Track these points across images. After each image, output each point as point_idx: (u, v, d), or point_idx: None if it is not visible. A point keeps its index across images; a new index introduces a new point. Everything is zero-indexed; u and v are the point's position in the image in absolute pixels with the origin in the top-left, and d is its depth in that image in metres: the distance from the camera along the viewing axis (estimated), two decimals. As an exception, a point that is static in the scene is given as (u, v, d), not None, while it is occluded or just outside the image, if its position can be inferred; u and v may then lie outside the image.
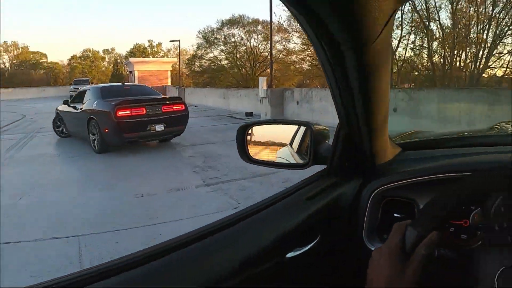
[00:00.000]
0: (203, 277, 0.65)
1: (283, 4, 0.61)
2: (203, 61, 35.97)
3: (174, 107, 8.16)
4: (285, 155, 1.09)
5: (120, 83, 9.89)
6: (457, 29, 18.61)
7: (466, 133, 1.57)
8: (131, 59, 32.26)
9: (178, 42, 29.86)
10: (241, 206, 4.19)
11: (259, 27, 32.07)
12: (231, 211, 1.37)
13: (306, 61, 27.90)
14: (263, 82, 13.09)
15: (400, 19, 18.66)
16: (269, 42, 31.45)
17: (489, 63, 18.82)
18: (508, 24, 17.46)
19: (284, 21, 27.32)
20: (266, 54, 30.25)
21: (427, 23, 19.14)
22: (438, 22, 19.09)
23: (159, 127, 7.77)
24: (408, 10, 18.87)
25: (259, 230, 0.79)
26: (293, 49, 29.76)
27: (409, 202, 0.88)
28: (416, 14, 19.15)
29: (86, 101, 8.34)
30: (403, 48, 20.16)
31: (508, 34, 17.77)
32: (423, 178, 0.89)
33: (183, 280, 0.63)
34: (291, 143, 1.08)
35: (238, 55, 33.32)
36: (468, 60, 18.98)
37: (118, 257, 0.62)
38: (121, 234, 3.61)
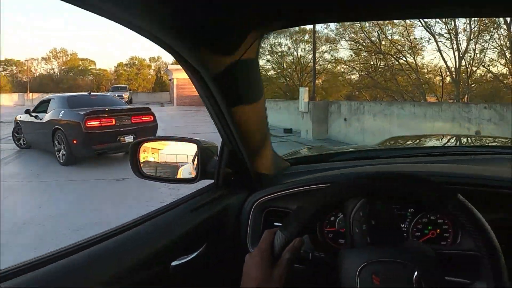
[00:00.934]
0: (88, 284, 0.68)
1: None
2: (248, 71, 34.60)
3: (143, 118, 7.94)
4: (185, 169, 1.13)
5: (86, 93, 9.42)
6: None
7: (352, 149, 1.74)
8: (170, 67, 31.42)
9: None
10: None
11: (306, 36, 30.17)
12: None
13: (357, 69, 25.79)
14: (304, 93, 10.98)
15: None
16: (316, 52, 30.38)
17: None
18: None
19: (332, 30, 25.35)
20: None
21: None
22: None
23: (129, 138, 7.41)
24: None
25: (143, 240, 0.83)
26: (342, 59, 27.84)
27: (288, 212, 0.99)
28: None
29: (51, 111, 7.79)
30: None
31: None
32: (297, 189, 1.02)
33: None
34: (193, 159, 1.11)
35: (284, 65, 31.81)
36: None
37: None
38: None
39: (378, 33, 20.29)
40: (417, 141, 2.37)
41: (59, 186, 5.88)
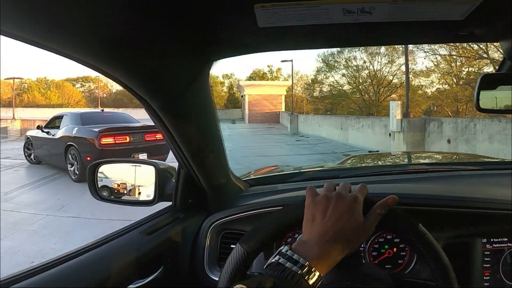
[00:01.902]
0: None
1: None
2: (324, 86, 33.51)
3: (156, 136, 7.64)
4: (144, 192, 1.12)
5: (99, 110, 9.29)
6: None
7: (312, 169, 1.74)
8: (241, 82, 31.03)
9: (290, 62, 26.44)
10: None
11: (382, 49, 28.32)
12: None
13: (440, 82, 23.60)
14: (395, 108, 9.26)
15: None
16: (393, 65, 28.45)
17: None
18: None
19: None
20: (391, 77, 28.67)
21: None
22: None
23: (143, 156, 7.31)
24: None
25: (98, 264, 0.81)
26: (420, 71, 26.62)
27: (243, 233, 0.91)
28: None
29: (64, 127, 7.74)
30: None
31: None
32: (254, 212, 1.02)
33: None
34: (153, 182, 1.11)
35: (360, 80, 30.51)
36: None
37: None
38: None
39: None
40: (377, 160, 2.41)
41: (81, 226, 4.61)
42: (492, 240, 0.91)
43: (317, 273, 0.58)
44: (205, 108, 0.87)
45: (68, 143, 7.34)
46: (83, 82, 49.82)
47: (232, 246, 0.99)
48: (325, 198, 0.68)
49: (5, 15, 0.44)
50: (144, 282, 0.89)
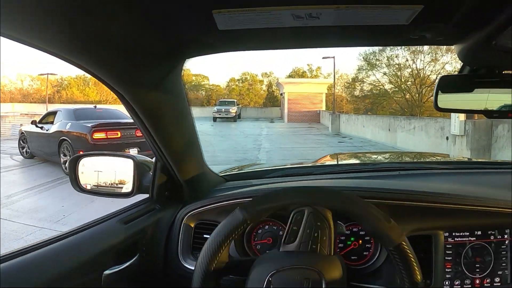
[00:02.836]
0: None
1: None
2: (364, 85, 32.41)
3: None
4: (123, 184, 1.16)
5: (92, 106, 9.54)
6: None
7: (289, 166, 1.74)
8: (281, 80, 30.18)
9: (332, 58, 24.76)
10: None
11: (425, 47, 27.02)
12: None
13: None
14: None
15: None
16: (437, 63, 27.01)
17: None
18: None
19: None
20: (435, 76, 26.80)
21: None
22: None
23: (133, 151, 7.44)
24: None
25: (75, 250, 0.85)
26: None
27: (216, 224, 0.93)
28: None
29: (57, 122, 7.99)
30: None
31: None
32: (227, 203, 1.08)
33: None
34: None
35: (402, 79, 29.39)
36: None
37: None
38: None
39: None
40: (353, 158, 2.47)
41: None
42: (454, 234, 0.98)
43: None
44: (178, 104, 0.95)
45: (62, 138, 7.60)
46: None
47: (205, 236, 1.07)
48: None
49: None
50: (119, 269, 0.94)
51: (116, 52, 0.68)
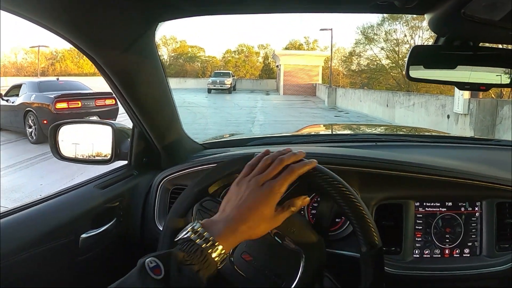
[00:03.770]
0: (6, 249, 0.73)
1: None
2: (362, 59, 31.96)
3: (106, 102, 8.65)
4: (101, 151, 1.18)
5: (55, 79, 10.16)
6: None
7: (268, 135, 1.69)
8: (277, 52, 29.67)
9: (330, 31, 24.30)
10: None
11: (424, 23, 26.39)
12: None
13: None
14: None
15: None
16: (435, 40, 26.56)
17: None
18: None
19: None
20: None
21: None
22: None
23: (93, 119, 7.39)
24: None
25: (52, 214, 0.87)
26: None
27: None
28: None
29: (23, 95, 8.43)
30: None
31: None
32: (202, 167, 1.06)
33: None
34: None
35: (400, 55, 28.71)
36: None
37: None
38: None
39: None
40: (333, 129, 2.47)
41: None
42: (425, 204, 1.00)
43: (220, 247, 0.59)
44: (153, 69, 0.94)
45: (27, 109, 8.10)
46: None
47: None
48: (245, 183, 0.68)
49: None
50: (96, 232, 0.96)
51: (87, 13, 0.68)
